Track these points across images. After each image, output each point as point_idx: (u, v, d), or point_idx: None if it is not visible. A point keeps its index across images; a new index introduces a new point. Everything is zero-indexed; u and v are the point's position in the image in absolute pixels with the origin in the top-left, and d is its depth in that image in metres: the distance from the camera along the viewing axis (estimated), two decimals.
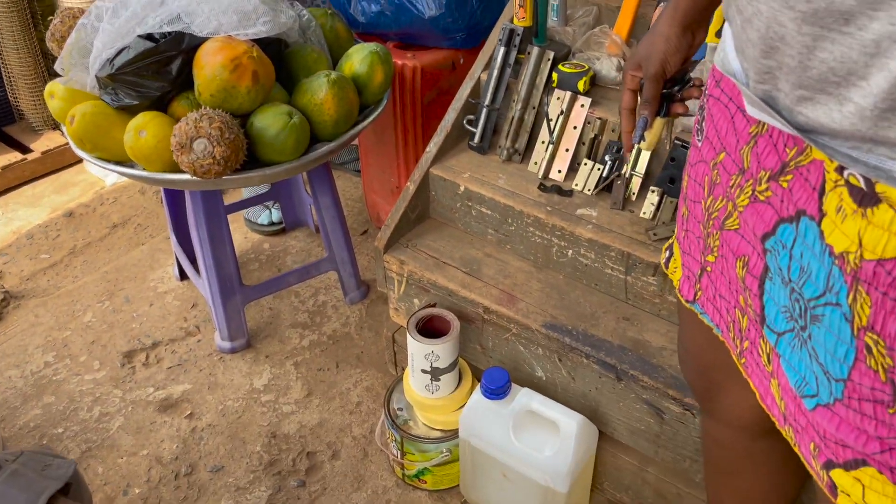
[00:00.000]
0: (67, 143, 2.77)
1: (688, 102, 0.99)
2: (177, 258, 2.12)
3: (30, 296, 2.14)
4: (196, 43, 1.47)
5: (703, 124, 0.85)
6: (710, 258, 0.84)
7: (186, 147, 1.38)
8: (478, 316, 1.52)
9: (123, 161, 1.56)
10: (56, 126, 2.84)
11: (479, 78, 1.68)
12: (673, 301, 1.41)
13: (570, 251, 1.50)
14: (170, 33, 1.46)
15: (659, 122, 0.98)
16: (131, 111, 1.52)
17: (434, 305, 1.54)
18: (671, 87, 0.97)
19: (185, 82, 1.51)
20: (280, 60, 1.64)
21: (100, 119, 1.50)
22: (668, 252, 1.01)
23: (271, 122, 1.48)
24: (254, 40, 1.49)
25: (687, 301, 0.92)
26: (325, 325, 2.02)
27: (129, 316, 2.06)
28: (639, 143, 0.96)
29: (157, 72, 1.47)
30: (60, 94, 1.55)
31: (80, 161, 2.83)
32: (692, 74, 1.00)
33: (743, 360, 0.81)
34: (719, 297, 0.84)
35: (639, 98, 0.98)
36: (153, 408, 1.79)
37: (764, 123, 0.71)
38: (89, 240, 2.40)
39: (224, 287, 1.83)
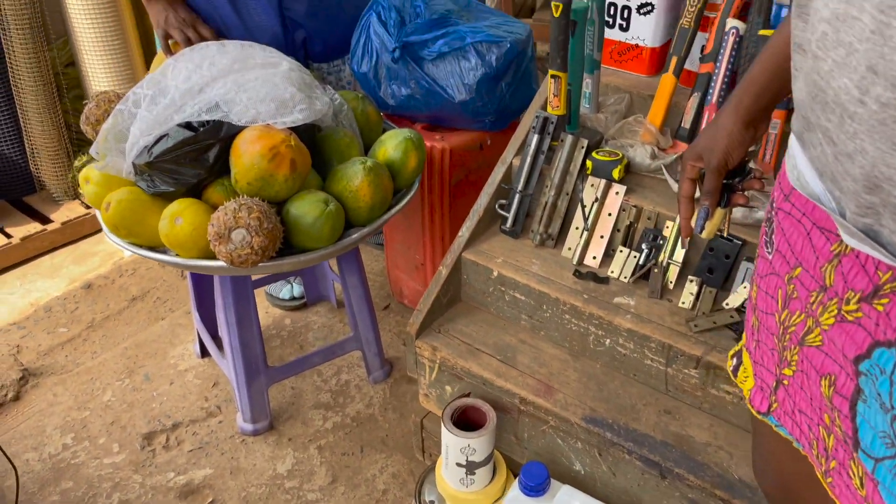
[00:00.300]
0: (87, 213, 2.78)
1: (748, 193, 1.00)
2: (199, 335, 2.09)
3: (48, 373, 2.11)
4: (234, 131, 1.48)
5: (773, 237, 0.84)
6: (788, 372, 0.83)
7: (225, 237, 1.37)
8: (514, 406, 1.49)
9: (157, 246, 1.55)
10: (76, 196, 2.85)
11: (510, 163, 1.69)
12: (715, 394, 1.38)
13: (608, 340, 1.48)
14: (208, 122, 1.47)
15: (719, 212, 0.99)
16: (166, 197, 1.52)
17: (468, 395, 1.52)
18: (731, 178, 0.98)
19: (221, 169, 1.52)
20: (313, 144, 1.65)
21: (135, 206, 1.50)
22: (735, 360, 0.99)
23: (308, 209, 1.48)
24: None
25: (760, 413, 0.90)
26: (349, 406, 1.98)
27: (149, 395, 2.02)
28: (700, 232, 0.97)
29: (195, 159, 1.48)
30: (96, 180, 1.56)
31: (98, 231, 2.83)
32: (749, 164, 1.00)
33: (829, 480, 0.79)
34: (799, 412, 0.82)
35: (698, 187, 0.99)
36: (174, 494, 1.75)
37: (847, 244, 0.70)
38: (108, 313, 2.38)
39: (249, 369, 1.80)
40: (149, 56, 3.00)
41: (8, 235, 2.64)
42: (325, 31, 1.96)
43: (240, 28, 1.88)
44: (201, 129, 1.46)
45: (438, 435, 1.67)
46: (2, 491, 1.69)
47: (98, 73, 2.72)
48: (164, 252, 1.54)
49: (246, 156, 1.45)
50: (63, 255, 2.70)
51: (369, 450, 1.86)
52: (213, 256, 1.49)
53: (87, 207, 2.82)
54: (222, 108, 1.49)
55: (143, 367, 2.12)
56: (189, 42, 1.78)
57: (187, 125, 1.47)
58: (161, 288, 2.48)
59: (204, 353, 2.14)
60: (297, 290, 2.32)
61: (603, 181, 1.56)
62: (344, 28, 1.99)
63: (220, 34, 1.86)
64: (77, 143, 2.94)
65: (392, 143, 1.65)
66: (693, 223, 0.99)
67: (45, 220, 2.76)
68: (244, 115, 1.48)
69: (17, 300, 2.47)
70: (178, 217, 1.46)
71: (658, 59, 1.69)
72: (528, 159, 1.61)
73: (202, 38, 1.79)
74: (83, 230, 2.79)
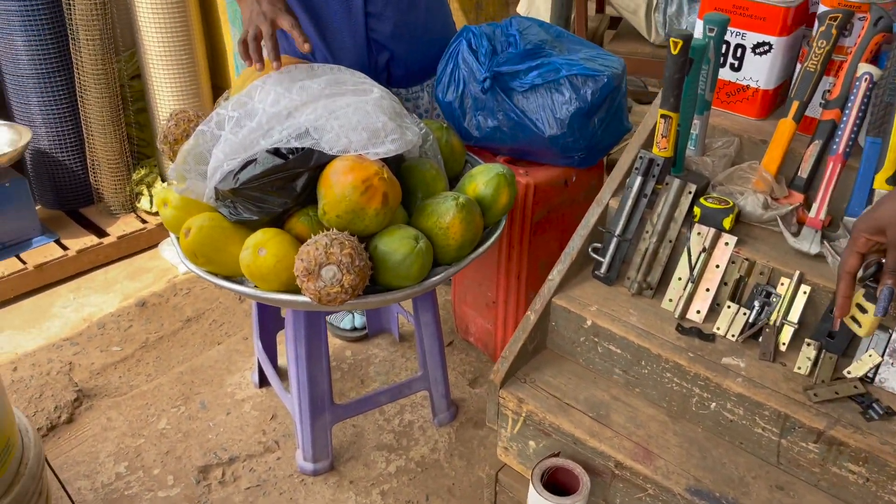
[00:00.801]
0: (143, 228, 2.73)
1: None
2: (258, 363, 2.01)
3: (102, 395, 2.04)
4: (324, 160, 1.40)
5: None
6: None
7: (314, 273, 1.29)
8: (607, 470, 1.38)
9: (234, 276, 1.47)
10: (133, 210, 2.81)
11: (607, 204, 1.59)
12: (836, 472, 1.26)
13: (714, 404, 1.36)
14: (297, 149, 1.40)
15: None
16: (248, 226, 1.44)
17: (558, 454, 1.41)
18: None
19: (307, 199, 1.44)
20: (398, 175, 1.57)
21: (216, 233, 1.42)
22: None
23: (397, 246, 1.39)
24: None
25: None
26: (413, 450, 1.88)
27: (205, 424, 1.94)
28: (882, 315, 0.86)
29: (282, 188, 1.40)
30: (174, 203, 1.49)
31: (153, 247, 2.78)
32: None
33: None
34: None
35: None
36: None
37: None
38: (162, 333, 2.32)
39: (315, 406, 1.72)
40: (215, 73, 2.96)
41: (64, 247, 2.59)
42: (408, 54, 1.89)
43: (323, 50, 1.82)
44: (290, 156, 1.38)
45: (514, 490, 1.56)
46: None
47: (163, 87, 2.69)
48: (243, 283, 1.46)
49: (337, 187, 1.37)
50: (117, 270, 2.65)
51: (435, 499, 1.75)
52: (295, 290, 1.40)
53: (143, 222, 2.77)
54: (312, 135, 1.41)
55: (199, 394, 2.04)
56: (258, 38, 1.58)
57: (275, 151, 1.40)
58: (217, 310, 2.41)
59: (262, 382, 2.06)
60: (360, 320, 2.24)
61: (711, 230, 1.45)
62: (426, 52, 1.91)
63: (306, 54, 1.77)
64: (137, 157, 2.90)
65: (483, 179, 1.56)
66: (860, 303, 0.88)
67: (101, 233, 2.71)
68: (336, 144, 1.40)
69: (70, 314, 2.41)
70: (262, 248, 1.38)
71: (770, 102, 1.59)
72: (629, 202, 1.51)
73: (275, 30, 1.60)
74: (138, 245, 2.74)
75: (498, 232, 1.61)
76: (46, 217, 2.74)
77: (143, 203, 2.80)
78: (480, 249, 1.55)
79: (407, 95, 1.98)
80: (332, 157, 1.41)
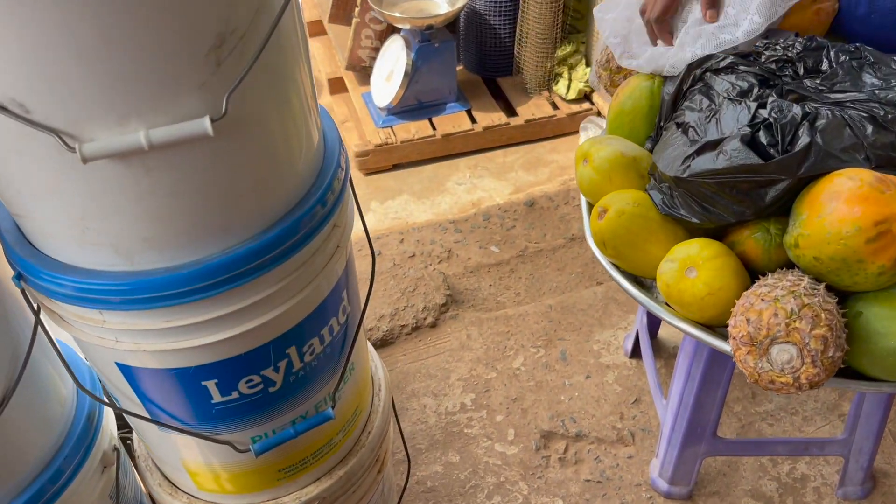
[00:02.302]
0: (552, 116, 2.50)
1: None
2: (637, 334, 1.71)
3: (468, 304, 1.94)
4: (822, 170, 0.94)
5: None
6: None
7: (761, 347, 0.89)
8: None
9: (645, 277, 1.14)
10: (548, 90, 2.57)
11: None
12: None
13: None
14: (789, 147, 0.95)
15: None
16: (682, 224, 1.07)
17: None
18: None
19: (775, 211, 1.01)
20: None
21: (638, 225, 1.08)
22: None
23: None
24: None
25: None
26: None
27: (560, 380, 1.73)
28: None
29: (746, 193, 0.99)
30: (596, 164, 1.16)
31: (557, 136, 2.55)
32: None
33: None
34: None
35: None
36: None
37: None
38: (543, 246, 2.12)
39: (691, 433, 1.37)
40: None
41: (473, 120, 2.49)
42: None
43: None
44: (775, 158, 0.95)
45: None
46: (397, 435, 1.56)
47: None
48: (652, 290, 1.12)
49: (830, 218, 0.91)
50: (516, 155, 2.49)
51: None
52: (720, 324, 1.03)
53: (555, 108, 2.52)
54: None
55: (563, 340, 1.82)
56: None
57: (752, 141, 0.97)
58: None
59: (634, 352, 1.76)
60: None
61: None
62: None
63: None
64: (568, 29, 2.61)
65: None
66: None
67: (510, 111, 2.54)
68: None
69: (462, 194, 2.33)
70: (693, 269, 1.01)
71: None
72: None
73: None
74: (543, 132, 2.53)
75: None
76: (464, 80, 2.64)
77: (560, 87, 2.54)
78: None
79: None
80: (835, 167, 0.94)
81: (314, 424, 0.97)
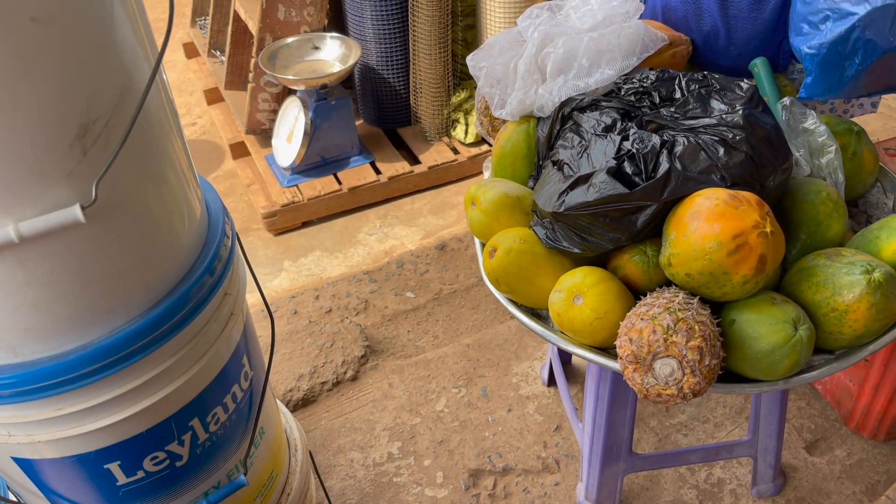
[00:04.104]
0: (454, 160, 2.57)
1: None
2: (550, 363, 1.76)
3: (388, 353, 1.96)
4: (682, 193, 1.02)
5: None
6: None
7: (645, 363, 0.95)
8: None
9: (538, 308, 1.19)
10: (447, 135, 2.65)
11: None
12: None
13: None
14: (652, 174, 1.03)
15: None
16: (567, 255, 1.13)
17: None
18: None
19: (648, 234, 1.08)
20: (777, 206, 1.13)
21: (526, 261, 1.13)
22: None
23: (766, 332, 0.99)
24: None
25: None
26: None
27: (483, 417, 1.76)
28: None
29: (618, 220, 1.05)
30: (483, 206, 1.21)
31: (461, 180, 2.62)
32: None
33: None
34: None
35: None
36: None
37: None
38: (456, 287, 2.16)
39: (608, 453, 1.42)
40: None
41: (377, 171, 2.53)
42: None
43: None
44: (640, 186, 1.02)
45: None
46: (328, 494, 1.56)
47: (496, 1, 2.40)
48: (546, 321, 1.17)
49: (694, 237, 0.98)
50: (423, 201, 2.54)
51: None
52: (612, 346, 1.09)
53: (455, 153, 2.60)
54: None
55: (483, 377, 1.86)
56: None
57: (618, 172, 1.05)
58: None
59: (552, 381, 1.81)
60: None
61: None
62: None
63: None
64: (459, 76, 2.70)
65: None
66: None
67: (413, 160, 2.61)
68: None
69: (374, 244, 2.37)
70: (579, 296, 1.06)
71: None
72: None
73: None
74: (447, 177, 2.60)
75: None
76: (365, 133, 2.70)
77: (459, 132, 2.62)
78: (885, 339, 1.08)
79: None
80: (694, 190, 1.02)
81: (227, 493, 0.97)
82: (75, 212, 0.65)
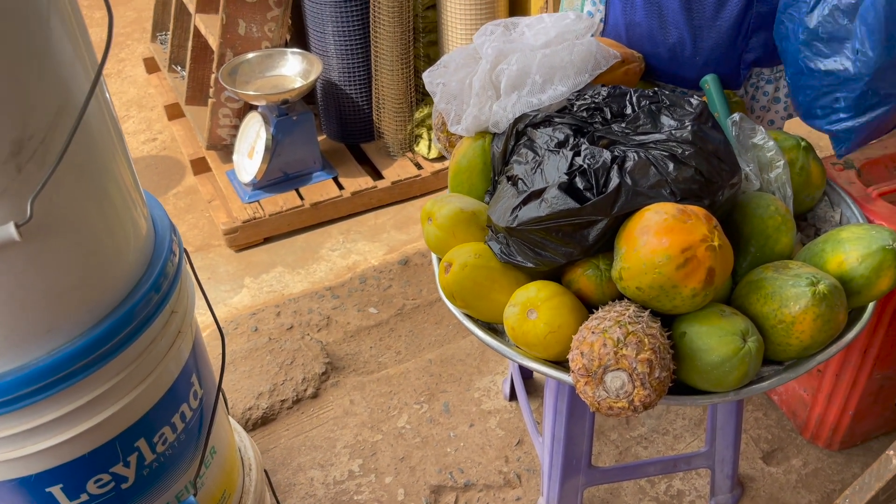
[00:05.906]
0: (417, 176, 2.58)
1: None
2: (512, 378, 1.76)
3: (349, 369, 1.94)
4: (632, 208, 1.03)
5: None
6: None
7: (596, 377, 0.96)
8: None
9: (495, 322, 1.19)
10: (411, 150, 2.66)
11: None
12: None
13: None
14: (603, 189, 1.04)
15: None
16: (521, 270, 1.14)
17: None
18: None
19: (600, 248, 1.09)
20: (726, 219, 1.15)
21: (481, 276, 1.14)
22: None
23: (715, 344, 1.00)
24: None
25: None
26: None
27: (444, 432, 1.76)
28: None
29: (570, 234, 1.06)
30: (439, 222, 1.22)
31: (425, 195, 2.63)
32: None
33: None
34: None
35: None
36: None
37: None
38: (419, 302, 2.16)
39: (568, 466, 1.43)
40: (515, 5, 2.62)
41: (340, 186, 2.53)
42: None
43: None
44: (590, 201, 1.03)
45: None
46: None
47: (458, 18, 2.42)
48: (503, 336, 1.17)
49: (643, 251, 0.99)
50: (387, 216, 2.54)
51: None
52: (566, 360, 1.09)
53: (419, 168, 2.61)
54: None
55: (445, 392, 1.86)
56: None
57: (570, 188, 1.06)
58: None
59: (513, 395, 1.81)
60: None
61: None
62: None
63: None
64: (422, 93, 2.71)
65: (858, 252, 1.08)
66: None
67: (376, 175, 2.61)
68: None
69: (337, 259, 2.35)
70: (533, 311, 1.07)
71: None
72: None
73: None
74: (411, 192, 2.60)
75: (860, 326, 1.13)
76: (328, 149, 2.69)
77: (422, 147, 2.63)
78: (832, 349, 1.10)
79: (769, 77, 1.48)
80: (644, 205, 1.03)
81: None
82: (9, 230, 0.64)
